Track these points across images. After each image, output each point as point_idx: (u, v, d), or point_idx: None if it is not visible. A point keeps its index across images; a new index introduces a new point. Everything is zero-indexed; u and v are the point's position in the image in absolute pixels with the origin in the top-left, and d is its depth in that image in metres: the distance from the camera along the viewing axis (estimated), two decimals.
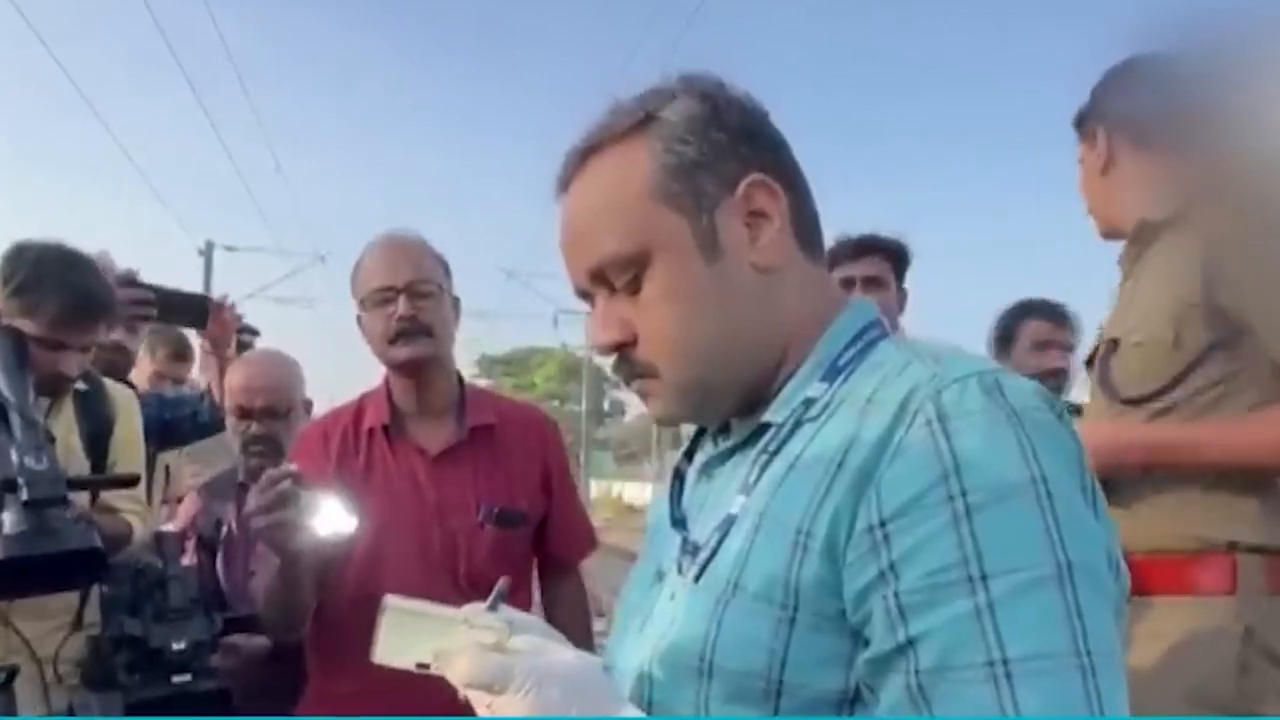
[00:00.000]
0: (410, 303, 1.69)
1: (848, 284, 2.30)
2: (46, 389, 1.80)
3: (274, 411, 2.10)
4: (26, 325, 1.74)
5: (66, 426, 1.90)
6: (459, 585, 1.70)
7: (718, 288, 0.76)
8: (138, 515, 2.00)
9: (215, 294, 2.45)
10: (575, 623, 1.94)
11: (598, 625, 2.05)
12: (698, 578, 0.74)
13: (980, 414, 0.64)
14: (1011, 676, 0.58)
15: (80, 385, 1.95)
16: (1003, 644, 0.59)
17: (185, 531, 2.17)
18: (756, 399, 0.79)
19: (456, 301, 1.80)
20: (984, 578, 0.60)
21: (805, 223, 0.81)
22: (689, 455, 0.89)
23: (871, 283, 2.33)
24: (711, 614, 0.70)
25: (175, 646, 1.65)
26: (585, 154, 0.80)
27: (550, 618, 1.95)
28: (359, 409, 1.81)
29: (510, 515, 1.76)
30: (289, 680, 1.79)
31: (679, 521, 0.83)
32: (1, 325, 1.74)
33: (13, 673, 1.35)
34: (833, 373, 0.75)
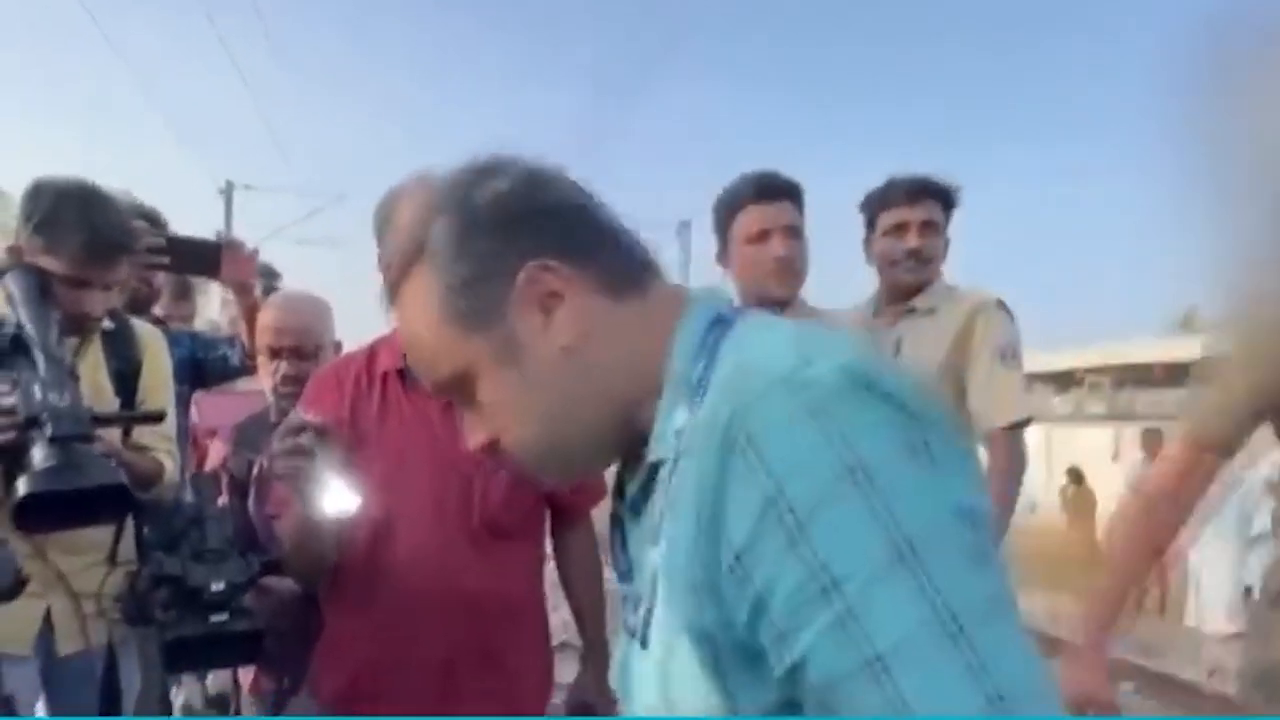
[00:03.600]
0: None
1: (901, 229, 2.23)
2: (73, 328, 1.79)
3: (303, 351, 2.08)
4: (49, 263, 1.72)
5: (94, 366, 1.90)
6: (472, 530, 1.69)
7: (534, 386, 0.78)
8: (169, 454, 2.00)
9: (231, 236, 2.41)
10: (585, 572, 1.93)
11: (608, 573, 2.03)
12: (644, 643, 0.76)
13: (785, 423, 0.64)
14: (889, 669, 0.59)
15: (107, 324, 1.94)
16: (871, 641, 0.60)
17: (217, 473, 2.17)
18: (644, 437, 0.78)
19: None
20: (835, 585, 0.61)
21: (610, 270, 0.80)
22: (620, 493, 0.87)
23: (928, 228, 2.26)
24: (660, 680, 0.72)
25: (214, 586, 1.65)
26: (393, 287, 0.83)
27: (561, 566, 1.94)
28: (372, 353, 1.78)
29: None
30: (319, 622, 1.79)
31: (625, 575, 0.85)
32: (24, 263, 1.72)
33: (23, 581, 1.35)
34: (692, 393, 0.74)
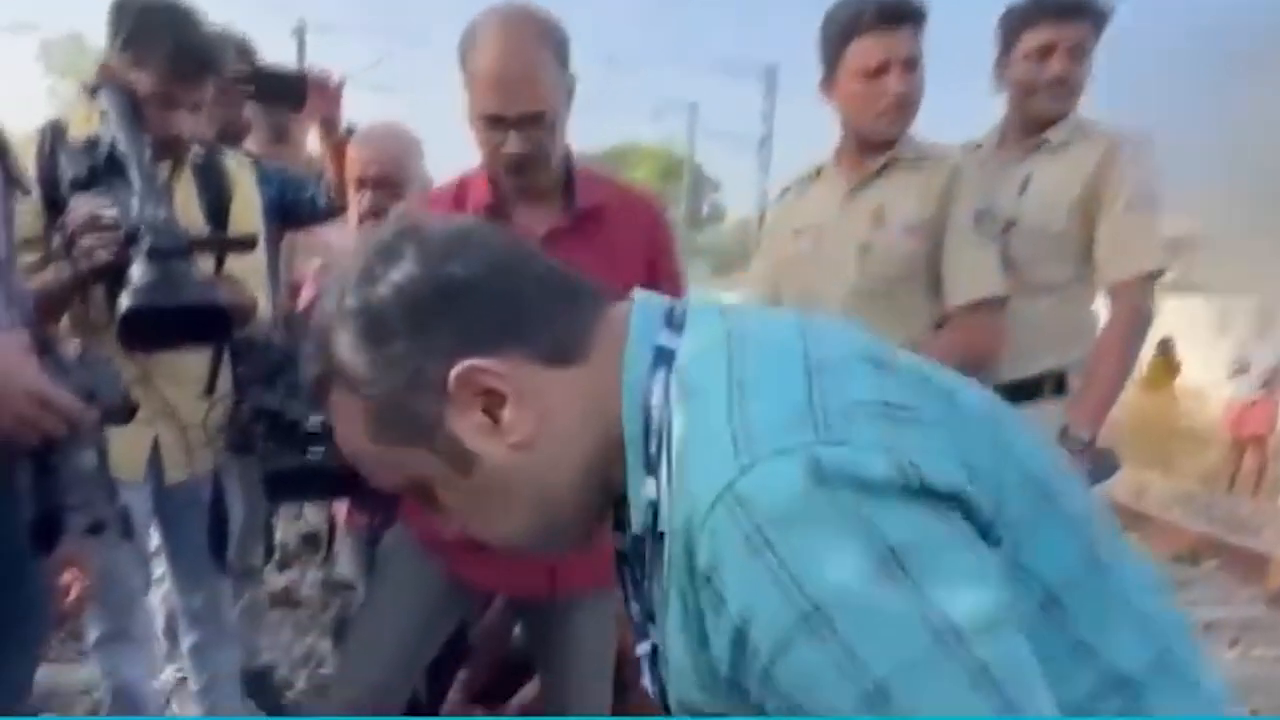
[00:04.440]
0: (521, 138, 1.56)
1: (1046, 52, 1.95)
2: (163, 152, 1.76)
3: (389, 182, 2.03)
4: (137, 79, 1.69)
5: (186, 195, 1.88)
6: None
7: (498, 490, 0.73)
8: (260, 289, 1.99)
9: (315, 72, 2.34)
10: None
11: None
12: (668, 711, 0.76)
13: (734, 560, 0.59)
14: None
15: (198, 154, 1.91)
16: None
17: (308, 313, 2.17)
18: (620, 500, 0.74)
19: (571, 80, 1.64)
20: None
21: (549, 340, 0.72)
22: (619, 526, 0.81)
23: (1077, 52, 1.97)
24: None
25: (311, 420, 1.65)
26: (321, 400, 0.76)
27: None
28: (460, 190, 1.71)
29: None
30: None
31: (641, 627, 0.80)
32: (114, 82, 1.69)
33: (133, 408, 1.36)
34: (652, 465, 0.69)
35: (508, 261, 0.73)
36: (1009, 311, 1.88)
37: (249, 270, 1.95)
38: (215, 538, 2.00)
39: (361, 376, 0.71)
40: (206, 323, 1.55)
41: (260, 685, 2.45)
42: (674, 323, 0.72)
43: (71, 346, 1.54)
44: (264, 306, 2.01)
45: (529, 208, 1.68)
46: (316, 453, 1.65)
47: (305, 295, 2.30)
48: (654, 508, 0.69)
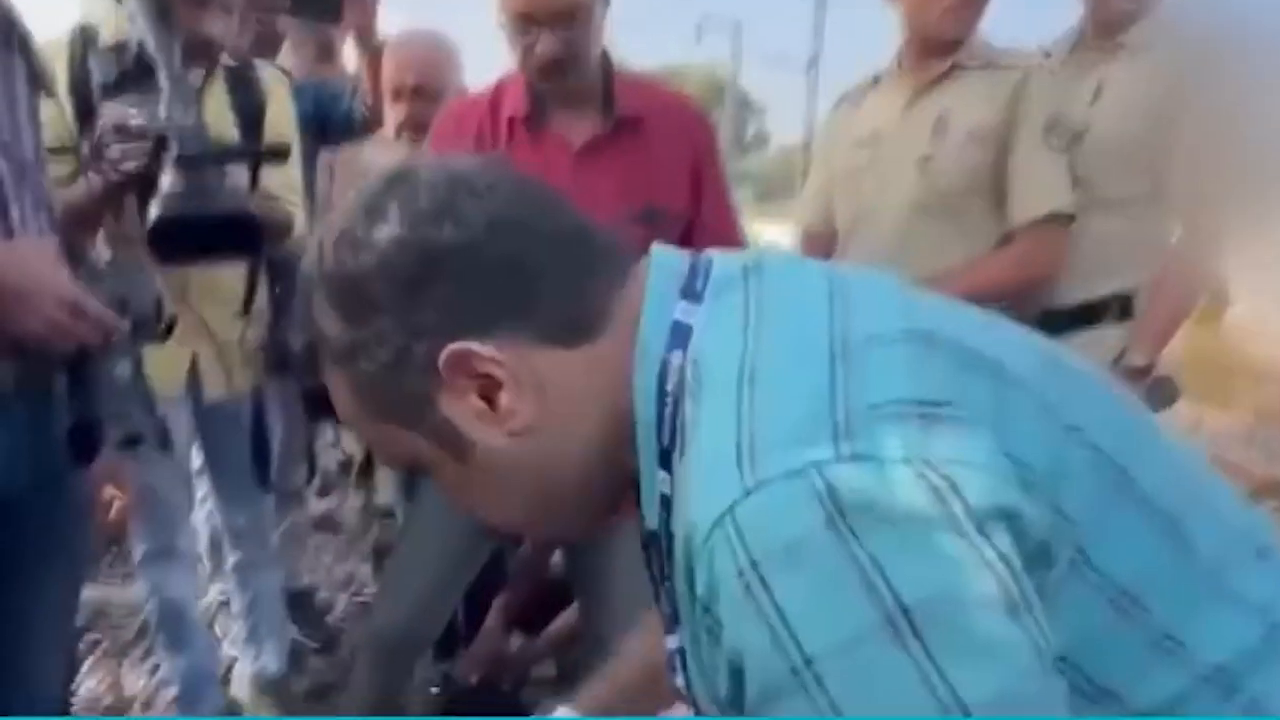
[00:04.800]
0: (554, 38, 1.48)
1: None
2: (195, 55, 1.70)
3: (426, 91, 1.96)
4: None
5: (219, 105, 1.83)
6: None
7: (498, 477, 0.66)
8: (297, 206, 1.94)
9: None
10: None
11: None
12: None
13: (725, 596, 0.53)
14: None
15: (230, 63, 1.85)
16: None
17: None
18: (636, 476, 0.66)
19: None
20: None
21: (552, 319, 0.63)
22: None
23: None
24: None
25: None
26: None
27: None
28: (496, 96, 1.64)
29: (658, 213, 1.61)
30: None
31: (668, 623, 0.72)
32: None
33: (171, 325, 1.33)
34: (664, 458, 0.62)
35: (513, 221, 0.63)
36: (1075, 229, 1.78)
37: (285, 186, 1.90)
38: (257, 457, 1.99)
39: (344, 350, 0.64)
40: (238, 235, 1.52)
41: (302, 607, 2.46)
42: (693, 290, 0.64)
43: (103, 255, 1.50)
44: (301, 224, 1.96)
45: (566, 115, 1.61)
46: None
47: None
48: (668, 504, 0.62)
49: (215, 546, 2.33)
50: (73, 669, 2.08)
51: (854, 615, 0.50)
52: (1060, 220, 1.75)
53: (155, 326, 1.27)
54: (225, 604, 2.34)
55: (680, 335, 0.62)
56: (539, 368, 0.62)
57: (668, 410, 0.61)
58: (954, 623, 0.50)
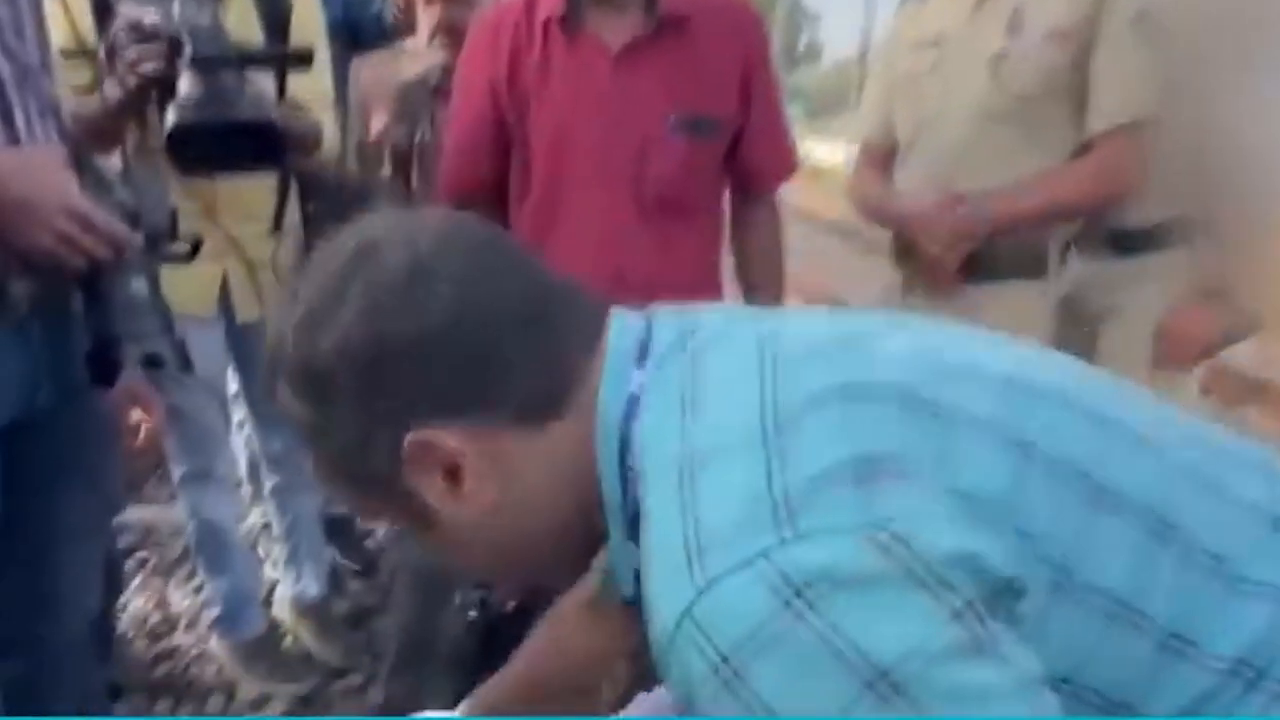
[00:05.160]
0: None
1: None
2: None
3: None
4: None
5: (243, 8, 1.74)
6: (642, 202, 1.51)
7: (459, 541, 0.67)
8: (326, 114, 1.86)
9: None
10: (767, 260, 1.70)
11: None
12: None
13: (703, 692, 0.53)
14: None
15: None
16: None
17: (378, 144, 2.04)
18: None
19: None
20: None
21: (519, 403, 0.63)
22: None
23: None
24: None
25: None
26: None
27: (740, 251, 1.71)
28: None
29: (703, 122, 1.52)
30: None
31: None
32: None
33: (198, 244, 1.25)
34: (632, 531, 0.63)
35: (480, 302, 0.62)
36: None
37: (314, 95, 1.82)
38: None
39: (308, 430, 0.65)
40: (261, 145, 1.45)
41: (342, 531, 2.45)
42: (644, 355, 0.64)
43: (114, 165, 1.44)
44: (332, 136, 1.88)
45: (605, 15, 1.51)
46: None
47: (376, 125, 2.17)
48: (639, 579, 0.61)
49: (254, 470, 2.32)
50: (117, 588, 2.09)
51: (833, 689, 0.50)
52: (1143, 127, 1.60)
53: (169, 241, 1.20)
54: (267, 527, 2.34)
55: (635, 407, 0.62)
56: (504, 449, 0.63)
57: (631, 484, 0.62)
58: (933, 675, 0.50)
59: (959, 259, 1.65)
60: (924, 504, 0.53)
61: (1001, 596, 0.54)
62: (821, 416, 0.57)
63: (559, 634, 0.79)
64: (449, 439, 0.61)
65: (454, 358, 0.61)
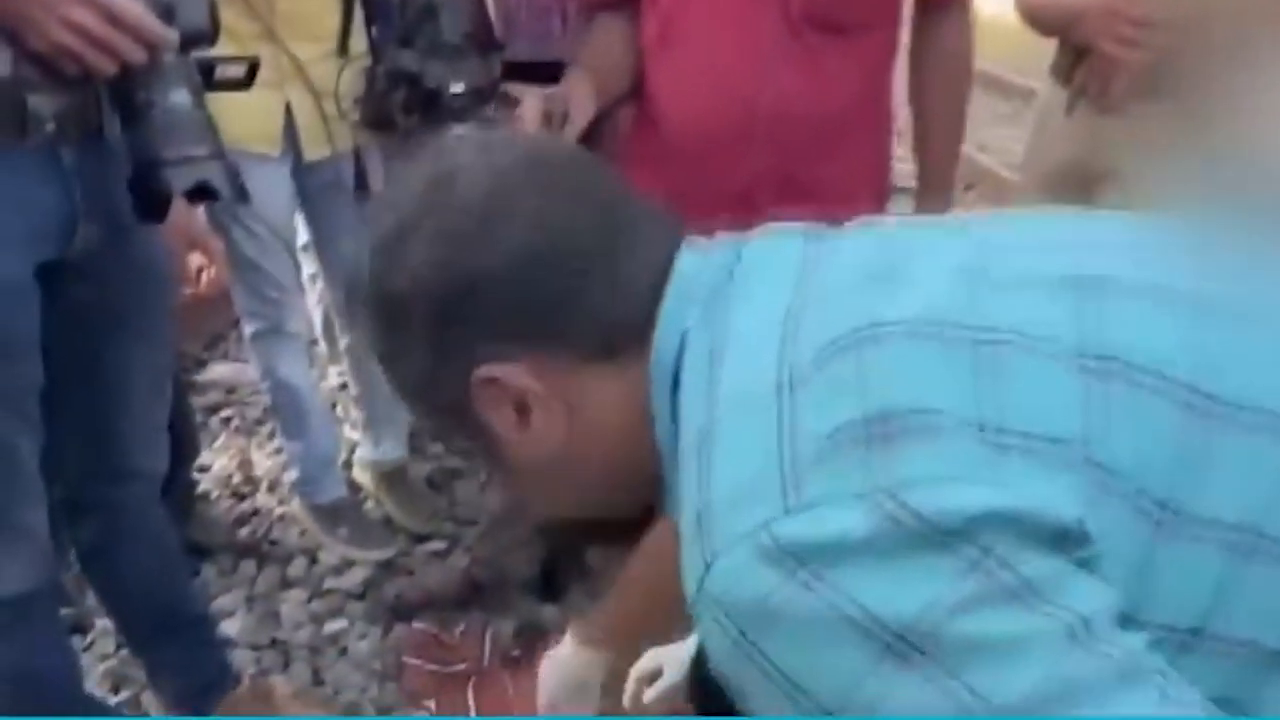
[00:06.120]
0: None
1: None
2: None
3: None
4: None
5: None
6: (791, 19, 1.28)
7: (525, 474, 0.68)
8: None
9: None
10: (945, 79, 1.45)
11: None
12: None
13: (729, 664, 0.54)
14: None
15: None
16: None
17: None
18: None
19: None
20: None
21: (592, 338, 0.62)
22: None
23: None
24: None
25: (453, 88, 1.42)
26: None
27: (915, 70, 1.47)
28: None
29: None
30: None
31: None
32: None
33: (254, 66, 1.09)
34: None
35: (554, 238, 0.61)
36: None
37: None
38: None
39: (383, 356, 0.66)
40: None
41: None
42: (701, 289, 0.64)
43: None
44: None
45: None
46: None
47: None
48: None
49: (329, 327, 2.20)
50: (194, 448, 2.01)
51: (852, 655, 0.49)
52: None
53: (208, 41, 1.01)
54: (344, 387, 2.23)
55: (684, 347, 0.62)
56: (573, 385, 0.63)
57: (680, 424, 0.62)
58: (953, 628, 0.48)
59: (1138, 66, 1.37)
60: (946, 463, 0.50)
61: (1063, 544, 0.50)
62: (837, 368, 0.54)
63: (661, 554, 0.76)
64: (518, 374, 0.61)
65: (525, 293, 0.61)
